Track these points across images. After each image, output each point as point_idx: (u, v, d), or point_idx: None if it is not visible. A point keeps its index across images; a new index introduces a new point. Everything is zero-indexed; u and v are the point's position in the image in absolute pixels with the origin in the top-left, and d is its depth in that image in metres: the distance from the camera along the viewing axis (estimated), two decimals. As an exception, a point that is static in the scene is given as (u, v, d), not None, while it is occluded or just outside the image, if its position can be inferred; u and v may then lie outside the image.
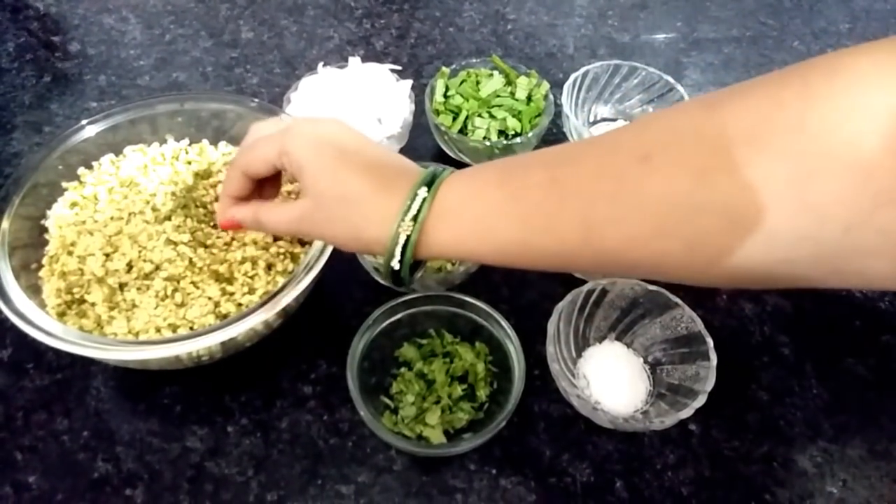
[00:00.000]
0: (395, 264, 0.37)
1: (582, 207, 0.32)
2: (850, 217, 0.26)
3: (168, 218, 0.51)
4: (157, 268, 0.48)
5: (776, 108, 0.28)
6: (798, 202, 0.27)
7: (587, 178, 0.33)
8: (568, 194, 0.33)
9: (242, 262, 0.49)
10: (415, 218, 0.35)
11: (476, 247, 0.36)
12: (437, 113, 0.65)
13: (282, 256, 0.50)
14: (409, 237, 0.36)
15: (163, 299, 0.46)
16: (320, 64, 0.67)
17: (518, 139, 0.62)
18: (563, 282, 0.56)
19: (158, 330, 0.45)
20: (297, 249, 0.51)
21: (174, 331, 0.45)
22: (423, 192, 0.35)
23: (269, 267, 0.50)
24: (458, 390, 0.49)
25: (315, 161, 0.37)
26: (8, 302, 0.43)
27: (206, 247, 0.50)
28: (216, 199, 0.53)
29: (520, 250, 0.35)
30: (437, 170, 0.37)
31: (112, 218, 0.51)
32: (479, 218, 0.35)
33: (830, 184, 0.26)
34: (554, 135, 0.69)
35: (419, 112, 0.65)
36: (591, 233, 0.32)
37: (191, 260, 0.48)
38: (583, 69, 0.67)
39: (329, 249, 0.46)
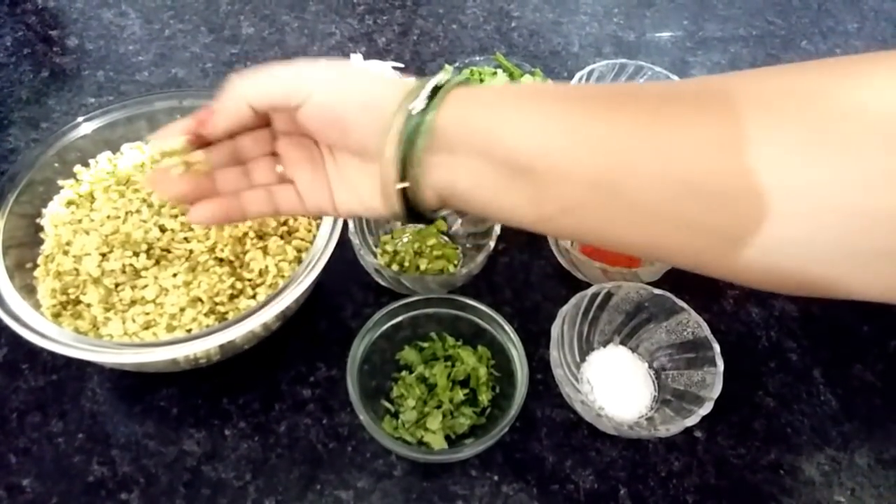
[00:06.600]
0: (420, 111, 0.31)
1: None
2: None
3: (163, 206, 0.50)
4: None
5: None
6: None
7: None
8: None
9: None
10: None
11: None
12: (440, 111, 0.64)
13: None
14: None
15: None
16: (322, 61, 0.66)
17: (522, 139, 0.61)
18: (568, 285, 0.55)
19: (154, 333, 0.44)
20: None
21: (171, 332, 0.45)
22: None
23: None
24: (460, 395, 0.48)
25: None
26: (1, 302, 0.42)
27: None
28: None
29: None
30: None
31: (108, 217, 0.50)
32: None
33: None
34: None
35: (422, 110, 0.64)
36: None
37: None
38: (588, 68, 0.66)
39: (330, 249, 0.45)
